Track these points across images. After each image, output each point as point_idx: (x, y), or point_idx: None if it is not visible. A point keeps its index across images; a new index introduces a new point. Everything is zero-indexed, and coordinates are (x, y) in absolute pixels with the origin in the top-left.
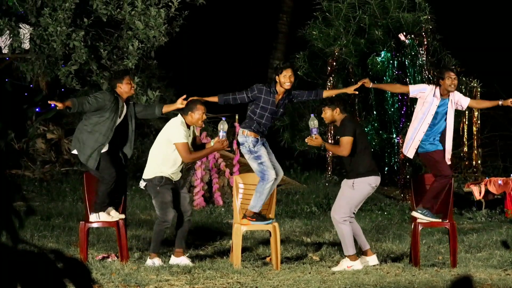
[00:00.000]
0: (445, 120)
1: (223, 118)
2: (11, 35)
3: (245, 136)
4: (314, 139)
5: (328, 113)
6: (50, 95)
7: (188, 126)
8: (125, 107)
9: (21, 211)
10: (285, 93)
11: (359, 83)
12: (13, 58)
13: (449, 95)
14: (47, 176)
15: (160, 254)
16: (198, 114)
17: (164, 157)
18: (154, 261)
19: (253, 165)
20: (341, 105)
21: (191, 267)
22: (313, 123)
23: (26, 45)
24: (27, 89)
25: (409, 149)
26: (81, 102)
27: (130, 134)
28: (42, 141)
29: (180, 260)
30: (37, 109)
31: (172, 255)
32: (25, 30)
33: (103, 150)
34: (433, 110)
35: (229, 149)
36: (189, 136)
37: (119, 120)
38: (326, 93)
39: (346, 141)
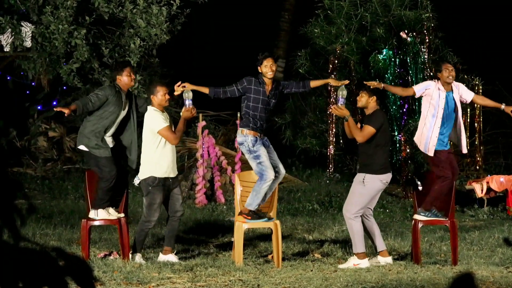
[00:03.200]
0: (454, 111)
1: (185, 86)
2: (13, 33)
3: (244, 136)
4: (339, 109)
5: (364, 99)
6: (52, 93)
7: (162, 110)
8: (127, 100)
9: (23, 209)
10: (274, 83)
11: (367, 83)
12: (15, 56)
13: (452, 88)
14: (49, 174)
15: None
16: (160, 95)
17: (157, 153)
18: (135, 257)
19: (252, 164)
20: (378, 96)
21: (193, 265)
22: (342, 93)
23: (28, 43)
24: (29, 87)
25: (429, 148)
26: (84, 103)
27: (133, 127)
28: (44, 139)
29: (168, 257)
30: (39, 107)
31: (160, 253)
32: (27, 28)
33: (110, 145)
34: (442, 104)
35: (195, 115)
36: (167, 118)
37: (123, 113)
38: (313, 83)
39: (368, 131)
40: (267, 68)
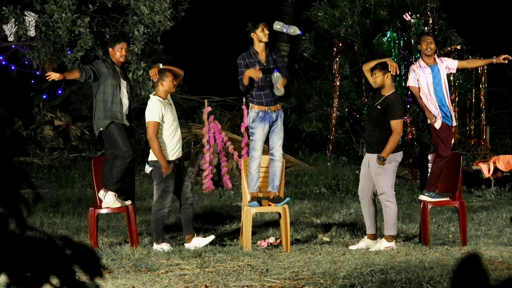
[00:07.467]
0: (443, 82)
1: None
2: (17, 23)
3: (250, 110)
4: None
5: (379, 78)
6: (57, 82)
7: (165, 98)
8: (122, 71)
9: (29, 198)
10: (267, 49)
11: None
12: (19, 45)
13: (436, 62)
14: (55, 163)
15: (169, 240)
16: (169, 81)
17: (164, 137)
18: (162, 247)
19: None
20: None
21: (201, 251)
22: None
23: (32, 32)
24: (34, 76)
25: (437, 121)
26: (81, 68)
27: (129, 99)
28: (50, 128)
29: (193, 244)
30: (44, 96)
31: (184, 243)
32: (30, 18)
33: (124, 122)
34: (430, 79)
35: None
36: (169, 104)
37: (124, 83)
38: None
39: (398, 125)
40: (263, 32)
